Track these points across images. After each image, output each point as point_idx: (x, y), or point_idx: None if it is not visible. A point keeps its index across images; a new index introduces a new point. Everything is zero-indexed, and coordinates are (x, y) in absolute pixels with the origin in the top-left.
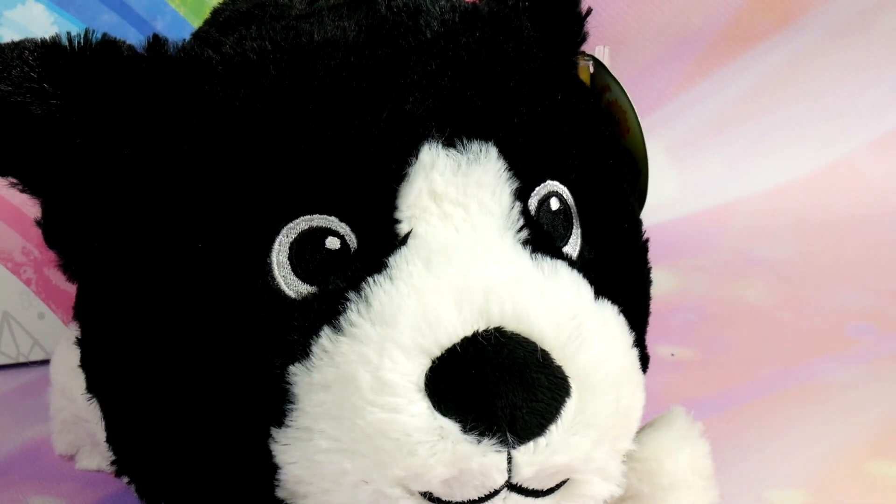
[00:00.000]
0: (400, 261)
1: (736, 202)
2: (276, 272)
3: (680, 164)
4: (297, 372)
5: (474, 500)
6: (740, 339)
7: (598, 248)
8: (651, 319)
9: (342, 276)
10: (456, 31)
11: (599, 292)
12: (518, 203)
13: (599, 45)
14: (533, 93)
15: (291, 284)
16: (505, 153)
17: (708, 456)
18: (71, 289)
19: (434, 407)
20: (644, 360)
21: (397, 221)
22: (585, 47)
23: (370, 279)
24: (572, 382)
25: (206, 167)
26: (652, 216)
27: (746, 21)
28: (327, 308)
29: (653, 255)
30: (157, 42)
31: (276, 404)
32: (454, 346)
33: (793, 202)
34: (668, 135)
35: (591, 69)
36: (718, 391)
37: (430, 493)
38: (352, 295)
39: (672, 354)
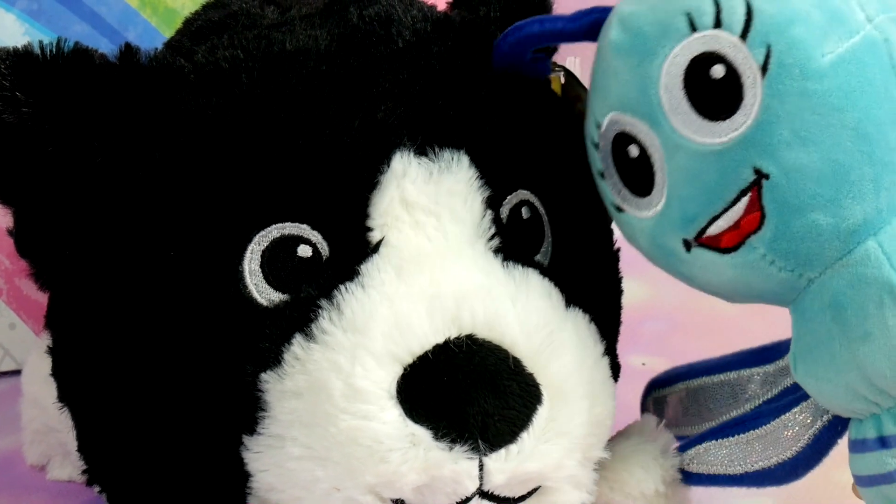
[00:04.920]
0: (372, 269)
1: None
2: (248, 280)
3: None
4: (268, 379)
5: None
6: (711, 349)
7: (570, 256)
8: (623, 328)
9: (314, 284)
10: (428, 40)
11: (571, 301)
12: (489, 211)
13: (570, 56)
14: (504, 102)
15: (263, 292)
16: (476, 162)
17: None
18: (42, 299)
19: (406, 414)
20: (615, 369)
21: (369, 229)
22: (557, 58)
23: (342, 287)
24: (544, 390)
25: (178, 175)
26: None
27: None
28: (299, 316)
29: (624, 265)
30: (129, 51)
31: (247, 412)
32: (426, 353)
33: None
34: None
35: (563, 80)
36: None
37: (402, 501)
38: (324, 303)
39: (643, 364)
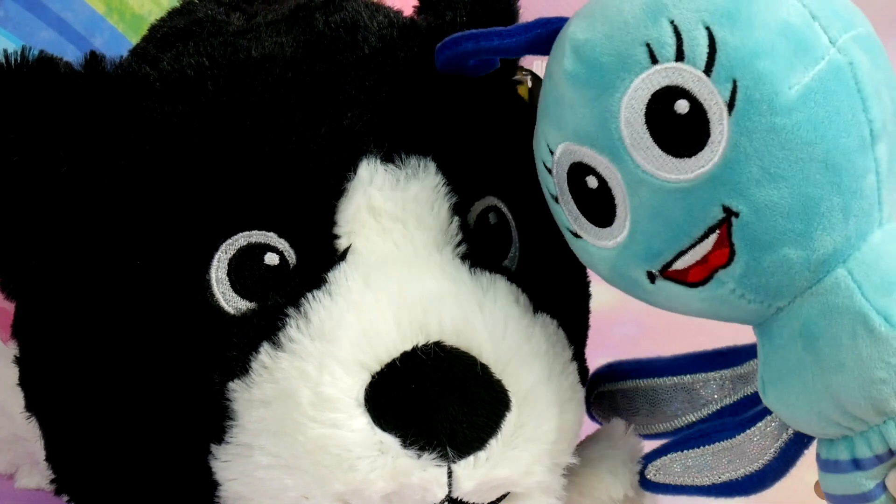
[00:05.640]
0: (339, 276)
1: None
2: (215, 288)
3: None
4: (236, 388)
5: None
6: (680, 352)
7: (537, 262)
8: (591, 333)
9: (281, 292)
10: (394, 46)
11: (538, 306)
12: (456, 218)
13: (537, 61)
14: (471, 108)
15: (230, 300)
16: (443, 168)
17: None
18: (9, 307)
19: (374, 422)
20: (584, 374)
21: (336, 237)
22: (523, 62)
23: (309, 295)
24: (512, 397)
25: (144, 184)
26: None
27: None
28: (266, 324)
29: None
30: (94, 59)
31: (215, 421)
32: (394, 360)
33: None
34: None
35: (530, 84)
36: None
37: None
38: (291, 310)
39: None
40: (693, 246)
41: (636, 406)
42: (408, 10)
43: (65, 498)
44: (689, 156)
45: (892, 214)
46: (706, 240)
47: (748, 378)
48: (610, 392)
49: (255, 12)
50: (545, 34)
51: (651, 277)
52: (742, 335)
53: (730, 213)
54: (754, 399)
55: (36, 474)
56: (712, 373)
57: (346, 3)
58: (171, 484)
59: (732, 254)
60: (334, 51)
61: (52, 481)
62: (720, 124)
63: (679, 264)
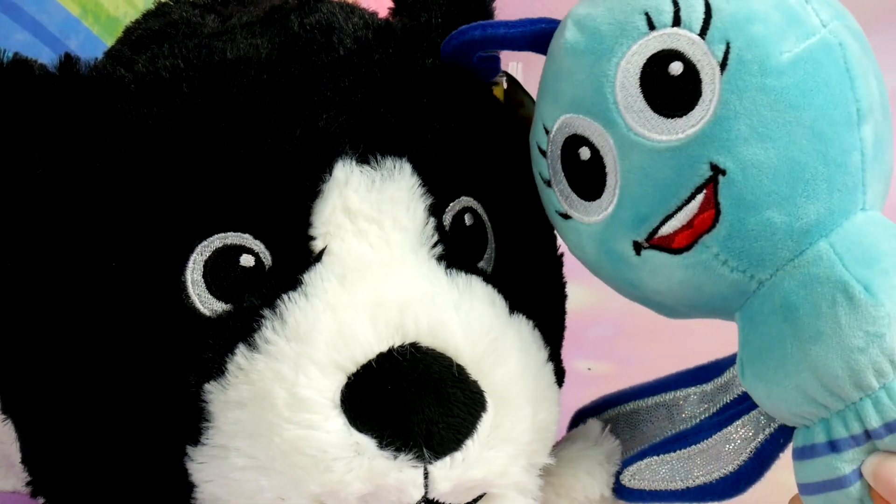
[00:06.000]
0: (315, 278)
1: None
2: (191, 290)
3: None
4: (212, 390)
5: None
6: (657, 354)
7: (513, 263)
8: (568, 334)
9: (257, 294)
10: (369, 47)
11: (514, 307)
12: (432, 219)
13: (513, 62)
14: (446, 109)
15: (206, 302)
16: (419, 169)
17: None
18: None
19: (350, 423)
20: (560, 375)
21: (312, 238)
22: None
23: (285, 296)
24: (488, 397)
25: (119, 186)
26: None
27: None
28: (242, 326)
29: (569, 270)
30: (69, 61)
31: (191, 422)
32: (370, 362)
33: None
34: None
35: (505, 85)
36: None
37: None
38: (267, 312)
39: (589, 369)
40: (680, 208)
41: (616, 432)
42: (383, 12)
43: (41, 500)
44: (681, 116)
45: (876, 204)
46: (693, 201)
47: (728, 387)
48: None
49: (230, 14)
50: (549, 30)
51: (637, 248)
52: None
53: (717, 172)
54: (732, 404)
55: (12, 476)
56: (692, 388)
57: (321, 5)
58: (148, 486)
59: (718, 215)
60: (309, 52)
61: (29, 484)
62: (712, 84)
63: (666, 229)
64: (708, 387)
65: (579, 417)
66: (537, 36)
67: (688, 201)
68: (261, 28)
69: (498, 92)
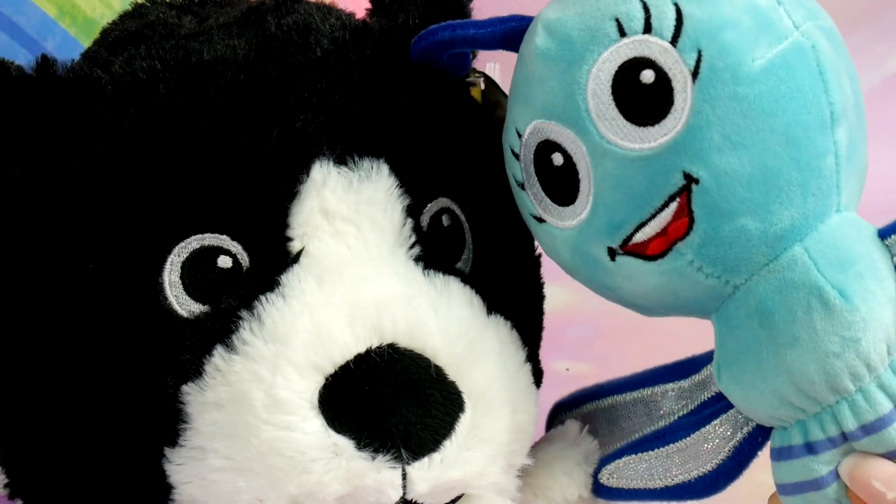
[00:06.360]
0: (292, 279)
1: None
2: (168, 292)
3: None
4: (190, 391)
5: None
6: (635, 354)
7: (491, 263)
8: (546, 334)
9: (235, 295)
10: (346, 48)
11: (492, 308)
12: (410, 220)
13: (490, 62)
14: (424, 110)
15: (184, 304)
16: (396, 170)
17: None
18: None
19: (328, 424)
20: (538, 375)
21: (289, 239)
22: (476, 64)
23: (263, 297)
24: (466, 398)
25: (97, 187)
26: None
27: None
28: (220, 327)
29: (547, 271)
30: (45, 62)
31: (169, 424)
32: (347, 363)
33: None
34: None
35: (482, 86)
36: None
37: None
38: (244, 313)
39: (567, 369)
40: (654, 216)
41: (595, 427)
42: (360, 13)
43: (19, 502)
44: (653, 124)
45: (850, 204)
46: (666, 209)
47: (705, 384)
48: (571, 419)
49: (207, 15)
50: (519, 28)
51: (611, 254)
52: (699, 334)
53: (690, 180)
54: (710, 403)
55: None
56: (670, 384)
57: (298, 6)
58: (125, 487)
59: (691, 223)
60: (286, 53)
61: (6, 486)
62: (684, 92)
63: (639, 236)
64: (685, 383)
65: (557, 410)
66: (508, 35)
67: (661, 209)
68: (238, 29)
69: (475, 93)
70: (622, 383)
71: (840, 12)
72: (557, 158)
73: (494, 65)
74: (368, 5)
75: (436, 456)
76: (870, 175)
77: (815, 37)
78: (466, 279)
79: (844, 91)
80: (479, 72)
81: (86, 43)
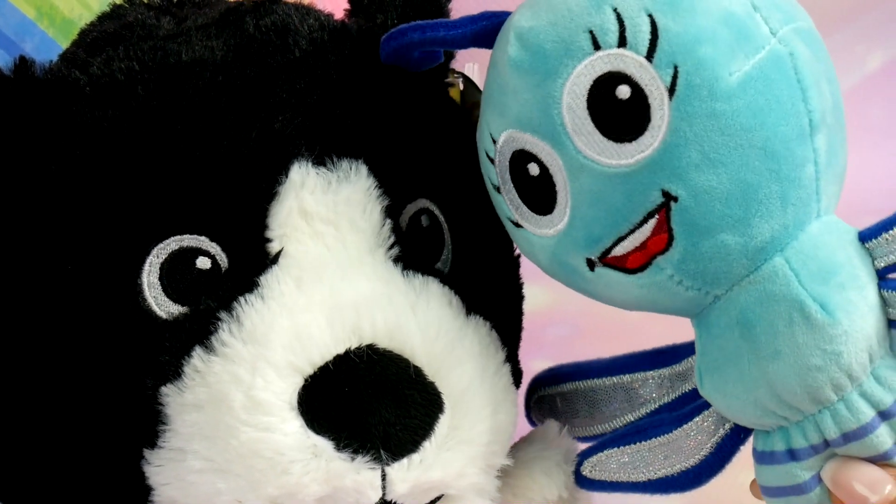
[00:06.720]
0: (271, 280)
1: None
2: (147, 293)
3: None
4: (169, 392)
5: None
6: (615, 353)
7: (470, 264)
8: (526, 334)
9: (213, 296)
10: (325, 49)
11: (472, 308)
12: (388, 220)
13: (469, 63)
14: (402, 111)
15: (162, 305)
16: (375, 171)
17: None
18: None
19: (307, 425)
20: (517, 376)
21: (268, 240)
22: (455, 64)
23: (242, 299)
24: (446, 399)
25: (75, 189)
26: None
27: None
28: (199, 328)
29: (526, 271)
30: (23, 64)
31: (148, 425)
32: (327, 364)
33: None
34: None
35: (461, 86)
36: None
37: None
38: (223, 315)
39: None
40: (632, 231)
41: (575, 408)
42: (339, 13)
43: None
44: (630, 141)
45: (830, 207)
46: (645, 225)
47: (686, 376)
48: (550, 396)
49: (186, 16)
50: (491, 26)
51: (590, 265)
52: (678, 334)
53: (669, 198)
54: (692, 396)
55: None
56: (651, 371)
57: (276, 7)
58: (104, 489)
59: (671, 239)
60: (265, 54)
61: None
62: (661, 109)
63: (618, 250)
64: (666, 371)
65: (535, 385)
66: (479, 34)
67: (640, 225)
68: (216, 30)
69: (454, 93)
70: (602, 366)
71: (820, 12)
72: (533, 168)
73: (473, 65)
74: (347, 6)
75: (415, 457)
76: (853, 176)
77: (793, 43)
78: (445, 280)
79: (823, 96)
80: (458, 72)
81: (64, 44)
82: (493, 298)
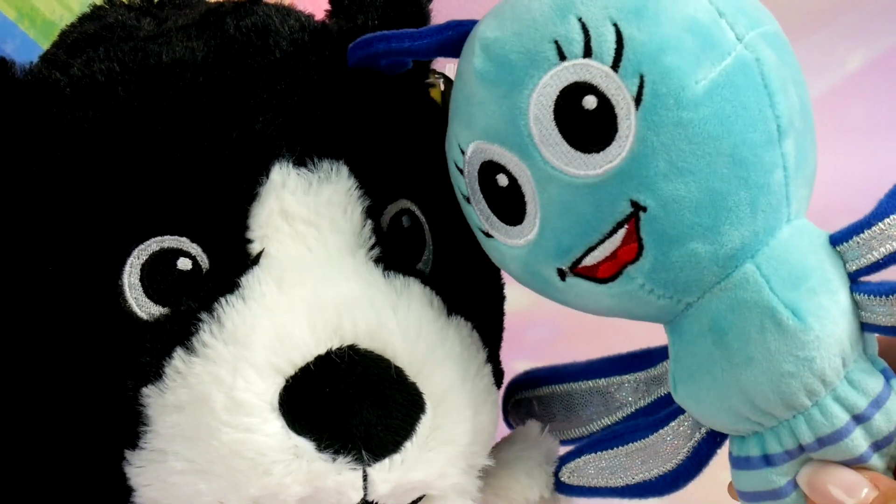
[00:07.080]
0: (252, 280)
1: None
2: (128, 294)
3: None
4: (150, 394)
5: None
6: (595, 354)
7: (451, 264)
8: (506, 335)
9: (194, 297)
10: (305, 50)
11: (453, 309)
12: (370, 221)
13: (450, 63)
14: (383, 111)
15: (143, 306)
16: (356, 171)
17: None
18: None
19: (288, 426)
20: (499, 376)
21: (249, 241)
22: (436, 65)
23: (223, 299)
24: (427, 399)
25: (55, 190)
26: None
27: None
28: (180, 329)
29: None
30: (4, 65)
31: (129, 426)
32: (308, 364)
33: None
34: None
35: (442, 87)
36: None
37: None
38: (204, 315)
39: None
40: (602, 241)
41: (552, 412)
42: (319, 14)
43: None
44: (598, 151)
45: (801, 210)
46: (615, 235)
47: (661, 379)
48: (527, 399)
49: (166, 17)
50: (456, 36)
51: (561, 275)
52: (659, 336)
53: (638, 208)
54: (668, 399)
55: None
56: (626, 375)
57: (256, 7)
58: (85, 490)
59: (641, 248)
60: (245, 55)
61: None
62: (627, 119)
63: (589, 260)
64: (641, 375)
65: (512, 389)
66: (444, 44)
67: (609, 235)
68: (196, 31)
69: (435, 94)
70: (578, 370)
71: (799, 13)
72: (502, 179)
73: (454, 66)
74: (328, 7)
75: (396, 457)
76: (833, 176)
77: (759, 48)
78: (427, 280)
79: (790, 100)
80: (439, 73)
81: (45, 45)
82: (474, 299)
